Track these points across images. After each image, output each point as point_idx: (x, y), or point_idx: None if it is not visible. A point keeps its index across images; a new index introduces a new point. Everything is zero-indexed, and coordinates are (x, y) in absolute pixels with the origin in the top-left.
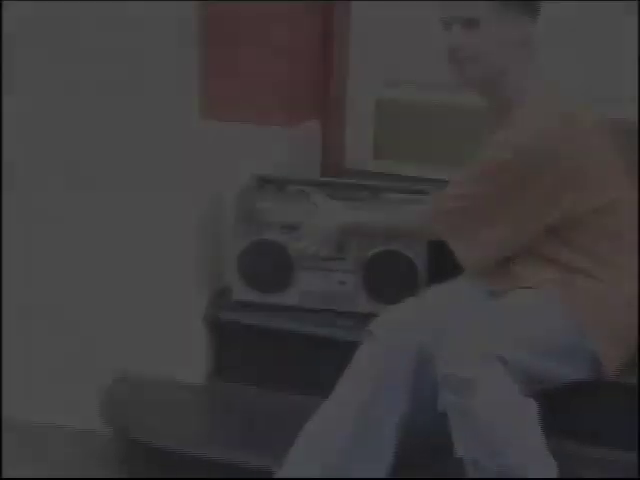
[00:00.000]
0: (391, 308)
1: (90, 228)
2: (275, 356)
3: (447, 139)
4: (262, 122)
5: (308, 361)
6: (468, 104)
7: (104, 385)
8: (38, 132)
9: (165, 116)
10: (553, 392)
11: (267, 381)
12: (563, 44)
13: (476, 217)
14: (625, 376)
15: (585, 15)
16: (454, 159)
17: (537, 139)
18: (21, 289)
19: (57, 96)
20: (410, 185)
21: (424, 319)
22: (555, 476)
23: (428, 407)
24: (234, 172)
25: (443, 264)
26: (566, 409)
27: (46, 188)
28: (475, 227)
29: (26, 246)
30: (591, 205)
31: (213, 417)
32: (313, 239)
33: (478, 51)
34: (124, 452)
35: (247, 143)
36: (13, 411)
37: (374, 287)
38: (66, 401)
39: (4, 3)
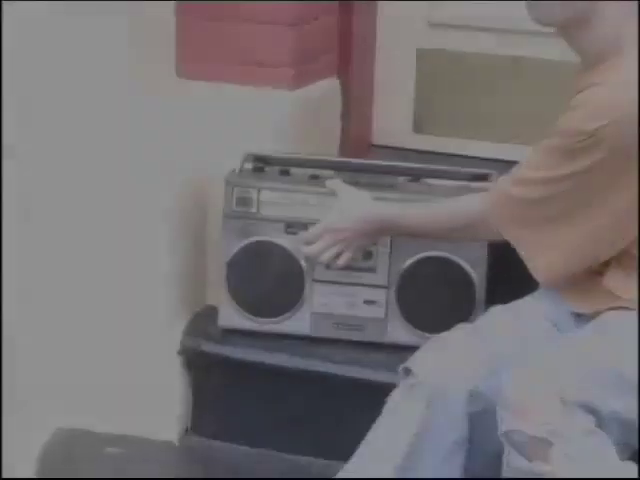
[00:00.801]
0: (437, 338)
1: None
2: (275, 404)
3: (514, 105)
4: (258, 81)
5: (320, 410)
6: (546, 57)
7: (43, 440)
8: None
9: (123, 71)
10: None
11: (263, 438)
12: None
13: (557, 209)
14: None
15: None
16: (523, 132)
17: None
18: None
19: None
20: (462, 168)
21: (482, 354)
22: None
23: (492, 467)
24: (221, 150)
25: (509, 276)
26: None
27: None
28: (554, 223)
29: None
30: None
31: None
32: (330, 241)
33: None
34: None
35: (238, 110)
36: None
37: (413, 308)
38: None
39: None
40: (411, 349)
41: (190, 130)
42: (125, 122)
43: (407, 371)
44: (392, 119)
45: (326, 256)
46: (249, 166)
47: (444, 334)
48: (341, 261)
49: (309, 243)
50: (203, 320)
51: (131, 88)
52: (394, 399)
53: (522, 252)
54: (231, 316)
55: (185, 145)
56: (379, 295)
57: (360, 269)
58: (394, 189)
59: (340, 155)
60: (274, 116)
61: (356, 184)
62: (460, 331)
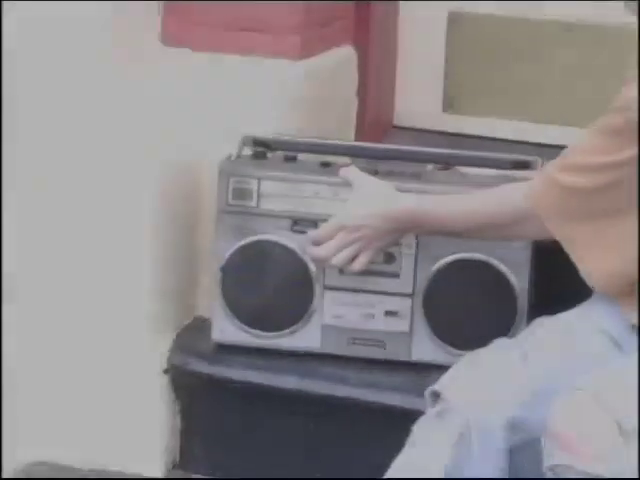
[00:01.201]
0: (470, 357)
1: None
2: (279, 434)
3: (564, 79)
4: (259, 50)
5: (333, 442)
6: (602, 21)
7: (8, 476)
8: None
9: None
10: None
11: (265, 474)
12: None
13: (616, 201)
14: None
15: None
16: (575, 111)
17: None
18: None
19: None
20: (501, 154)
21: (524, 375)
22: None
23: None
24: (214, 132)
25: (557, 282)
26: None
27: None
28: (612, 218)
29: None
30: None
31: None
32: (344, 241)
33: None
34: None
35: (235, 85)
36: None
37: (443, 321)
38: None
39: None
40: (440, 369)
41: (177, 109)
42: (97, 103)
43: (435, 395)
44: (418, 96)
45: (339, 259)
46: (248, 151)
47: (479, 351)
48: (357, 265)
49: (319, 243)
50: (193, 334)
51: (106, 59)
52: (420, 428)
53: (573, 253)
54: (226, 329)
55: (171, 127)
56: (403, 305)
57: (380, 274)
58: (420, 179)
59: (356, 138)
60: (278, 92)
61: (375, 173)
62: (498, 348)
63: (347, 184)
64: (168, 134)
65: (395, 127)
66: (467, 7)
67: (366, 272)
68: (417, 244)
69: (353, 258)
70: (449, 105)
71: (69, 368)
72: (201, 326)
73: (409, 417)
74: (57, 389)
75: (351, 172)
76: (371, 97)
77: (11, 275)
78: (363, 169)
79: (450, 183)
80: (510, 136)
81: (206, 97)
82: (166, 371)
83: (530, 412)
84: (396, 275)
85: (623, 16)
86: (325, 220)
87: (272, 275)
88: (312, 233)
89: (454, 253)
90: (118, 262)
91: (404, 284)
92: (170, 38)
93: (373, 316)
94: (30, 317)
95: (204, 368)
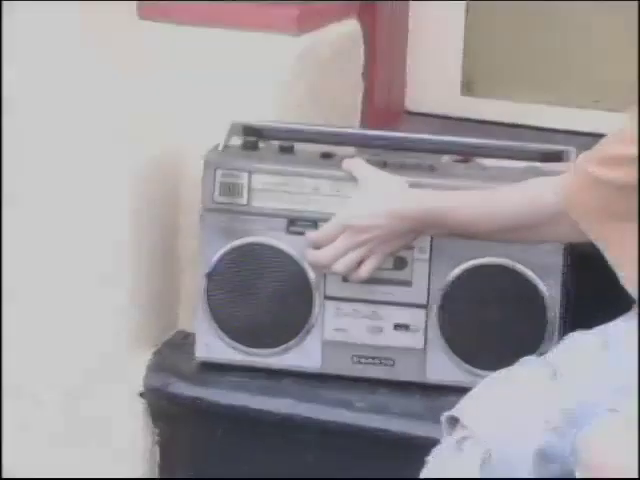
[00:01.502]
0: (494, 377)
1: None
2: (273, 465)
3: (601, 57)
4: (251, 24)
5: (335, 473)
6: None
7: None
8: None
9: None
10: None
11: None
12: None
13: None
14: None
15: None
16: (613, 94)
17: None
18: None
19: None
20: (529, 143)
21: (555, 399)
22: None
23: None
24: (199, 118)
25: (592, 290)
26: None
27: None
28: None
29: None
30: None
31: None
32: (348, 244)
33: None
34: None
35: (223, 64)
36: None
37: (461, 336)
38: None
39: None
40: (458, 391)
41: (155, 93)
42: (63, 85)
43: (454, 421)
44: (433, 77)
45: (342, 264)
46: (237, 141)
47: (504, 371)
48: (363, 272)
49: (319, 247)
50: (174, 351)
51: (80, 34)
52: (436, 459)
53: (610, 256)
54: (212, 346)
55: (148, 113)
56: (415, 317)
57: (389, 282)
58: (435, 172)
59: (362, 126)
60: (272, 72)
61: (384, 165)
62: (526, 367)
63: (351, 178)
64: (144, 122)
65: (407, 113)
66: None
67: (373, 280)
68: (431, 247)
69: (358, 264)
70: (468, 88)
71: (32, 390)
72: (183, 342)
73: (423, 447)
74: (16, 414)
75: (356, 165)
76: (379, 79)
77: None
78: (370, 161)
79: (470, 177)
80: (538, 123)
81: (189, 79)
82: (142, 394)
83: (562, 439)
84: (408, 283)
85: None
86: (326, 220)
87: (265, 283)
88: (311, 235)
89: (474, 258)
90: (86, 268)
91: (417, 293)
92: (148, 11)
93: (381, 330)
94: None
95: (186, 391)
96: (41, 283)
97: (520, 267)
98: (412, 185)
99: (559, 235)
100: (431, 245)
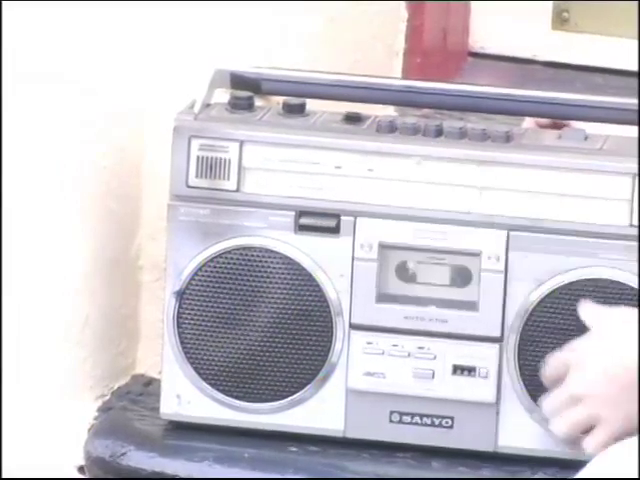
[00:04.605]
0: (610, 452)
1: None
2: None
3: None
4: None
5: None
6: None
7: None
8: None
9: None
10: None
11: None
12: None
13: None
14: None
15: None
16: None
17: None
18: None
19: None
20: None
21: None
22: None
23: None
24: (170, 64)
25: None
26: None
27: None
28: None
29: None
30: None
31: None
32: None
33: None
34: None
35: None
36: None
37: None
38: None
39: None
40: (545, 464)
41: (112, 33)
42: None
43: None
44: (509, 5)
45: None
46: (223, 96)
47: (627, 442)
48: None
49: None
50: (129, 405)
51: None
52: None
53: None
54: (185, 398)
55: (101, 62)
56: (484, 356)
57: (447, 304)
58: (514, 144)
59: (405, 75)
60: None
61: (439, 134)
62: None
63: (387, 153)
64: (95, 74)
65: (471, 55)
66: None
67: (422, 300)
68: (507, 255)
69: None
70: (561, 20)
71: None
72: (142, 391)
73: None
74: None
75: (590, 311)
76: (431, 8)
77: None
78: (415, 127)
79: (566, 151)
80: None
81: (158, 13)
82: (81, 469)
83: None
84: (473, 307)
85: None
86: (351, 214)
87: (263, 306)
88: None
89: (567, 270)
90: (16, 287)
91: (486, 321)
92: None
93: (433, 375)
94: None
95: (147, 464)
96: None
97: (634, 282)
98: (481, 164)
99: None
100: (506, 248)
